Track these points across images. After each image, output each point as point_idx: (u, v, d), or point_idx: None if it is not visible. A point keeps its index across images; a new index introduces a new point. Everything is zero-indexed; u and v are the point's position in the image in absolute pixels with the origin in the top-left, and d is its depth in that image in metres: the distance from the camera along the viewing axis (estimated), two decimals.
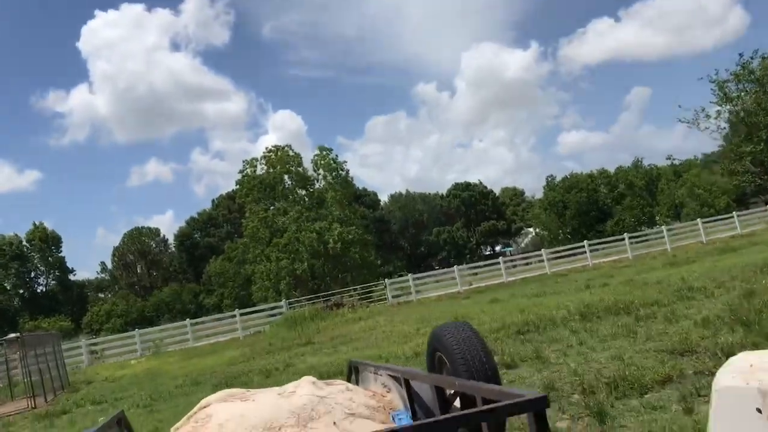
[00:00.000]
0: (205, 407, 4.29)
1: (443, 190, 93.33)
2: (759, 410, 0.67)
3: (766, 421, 0.66)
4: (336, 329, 21.26)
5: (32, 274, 73.60)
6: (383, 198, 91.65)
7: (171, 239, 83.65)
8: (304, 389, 4.18)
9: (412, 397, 3.92)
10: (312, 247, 40.63)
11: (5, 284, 70.56)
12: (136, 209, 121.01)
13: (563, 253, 35.66)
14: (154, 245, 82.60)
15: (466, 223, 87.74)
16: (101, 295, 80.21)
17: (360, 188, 72.62)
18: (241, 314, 31.21)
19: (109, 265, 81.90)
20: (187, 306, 65.71)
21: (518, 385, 8.30)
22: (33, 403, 18.30)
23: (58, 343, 22.98)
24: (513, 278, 32.42)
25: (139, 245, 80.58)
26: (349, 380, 5.13)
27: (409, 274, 34.45)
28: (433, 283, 34.85)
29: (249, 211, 43.64)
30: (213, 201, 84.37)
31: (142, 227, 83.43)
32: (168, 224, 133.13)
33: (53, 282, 74.39)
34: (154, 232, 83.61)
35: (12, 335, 19.46)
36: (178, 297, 68.82)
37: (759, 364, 0.67)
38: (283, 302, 32.04)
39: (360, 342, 16.33)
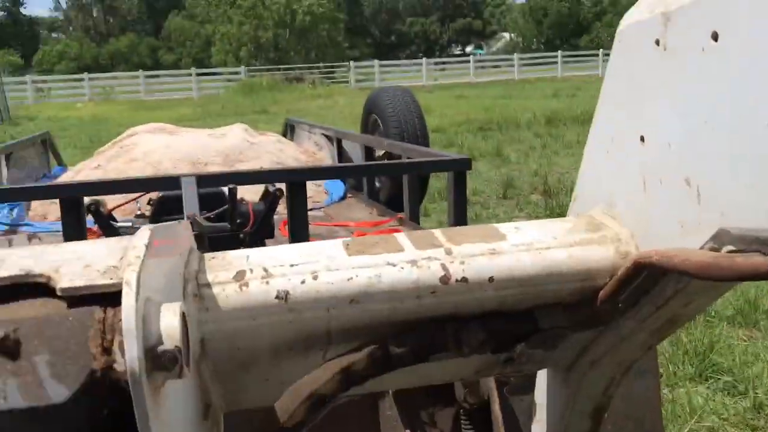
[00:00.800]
0: (132, 135, 4.22)
1: None
2: (657, 42, 0.65)
3: (663, 52, 0.65)
4: (293, 104, 20.72)
5: None
6: None
7: None
8: (235, 133, 4.10)
9: (342, 156, 3.89)
10: (278, 16, 38.64)
11: None
12: None
13: (535, 61, 34.85)
14: None
15: (442, 17, 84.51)
16: (54, 35, 76.51)
17: None
18: (198, 74, 30.20)
19: (64, 5, 77.28)
20: (144, 59, 63.26)
21: (475, 178, 8.14)
22: None
23: None
24: (480, 80, 31.78)
25: None
26: (284, 137, 5.05)
27: (375, 60, 33.42)
28: (399, 73, 34.06)
29: None
30: None
31: None
32: None
33: (2, 13, 70.25)
34: None
35: None
36: (135, 49, 66.08)
37: None
38: (241, 69, 31.01)
39: (315, 117, 15.89)
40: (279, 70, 31.02)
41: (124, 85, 30.86)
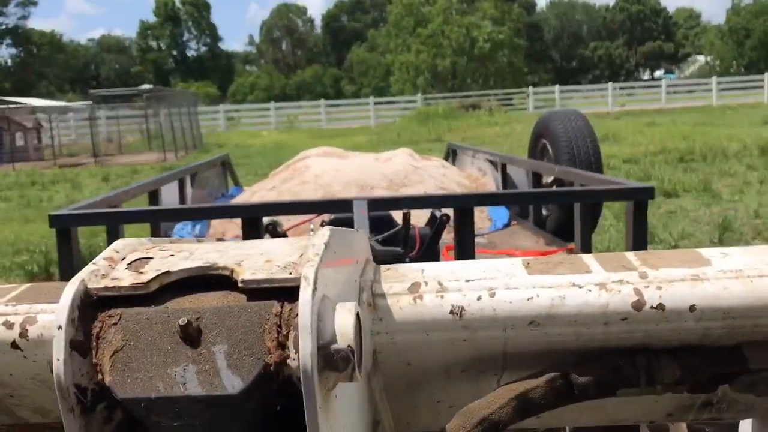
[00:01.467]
0: (304, 159, 4.41)
1: (610, 1, 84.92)
2: None
3: None
4: (469, 131, 20.01)
5: (184, 37, 75.82)
6: (540, 3, 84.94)
7: (318, 21, 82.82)
8: (400, 158, 4.14)
9: (507, 182, 3.80)
10: (458, 44, 38.35)
11: (160, 43, 73.33)
12: None
13: (736, 85, 31.57)
14: (300, 24, 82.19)
15: (628, 41, 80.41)
16: (247, 68, 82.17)
17: None
18: (375, 103, 30.51)
19: (257, 39, 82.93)
20: (327, 89, 65.99)
21: (681, 218, 6.92)
22: (164, 156, 18.79)
23: (194, 104, 23.25)
24: (672, 105, 29.24)
25: (286, 22, 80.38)
26: (446, 161, 4.98)
27: (556, 86, 31.93)
28: (580, 99, 32.37)
29: None
30: None
31: (290, 4, 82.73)
32: (317, 6, 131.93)
33: (203, 48, 76.55)
34: (302, 10, 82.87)
35: (146, 86, 19.60)
36: (320, 80, 69.16)
37: None
38: (418, 97, 30.90)
39: (492, 146, 15.05)
40: (455, 97, 30.57)
41: (307, 113, 31.94)
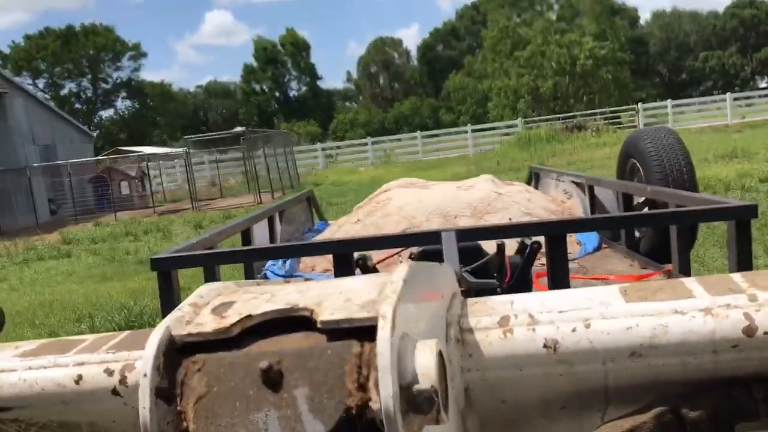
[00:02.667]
0: (386, 191, 4.42)
1: (720, 8, 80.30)
2: None
3: None
4: (575, 154, 18.66)
5: (285, 78, 77.82)
6: (644, 16, 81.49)
7: (414, 52, 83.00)
8: (482, 185, 4.08)
9: (595, 204, 3.73)
10: (558, 64, 36.86)
11: (263, 86, 75.59)
12: (381, 22, 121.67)
13: None
14: (396, 56, 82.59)
15: (742, 48, 75.57)
16: (347, 104, 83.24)
17: (618, 1, 64.63)
18: (473, 131, 29.51)
19: (355, 75, 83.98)
20: (425, 120, 65.50)
21: None
22: (259, 198, 18.53)
23: (290, 144, 23.09)
24: None
25: (382, 56, 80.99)
26: (528, 185, 4.89)
27: (668, 100, 29.81)
28: (694, 113, 30.05)
29: (490, 20, 40.40)
30: (456, 11, 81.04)
31: (386, 38, 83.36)
32: (412, 37, 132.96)
33: (304, 88, 78.22)
34: (397, 43, 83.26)
35: (238, 128, 19.55)
36: (417, 111, 68.86)
37: None
38: (518, 121, 29.65)
39: (601, 170, 13.70)
40: (558, 119, 29.10)
41: (404, 146, 31.35)
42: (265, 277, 3.36)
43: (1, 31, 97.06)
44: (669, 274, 2.61)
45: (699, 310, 0.63)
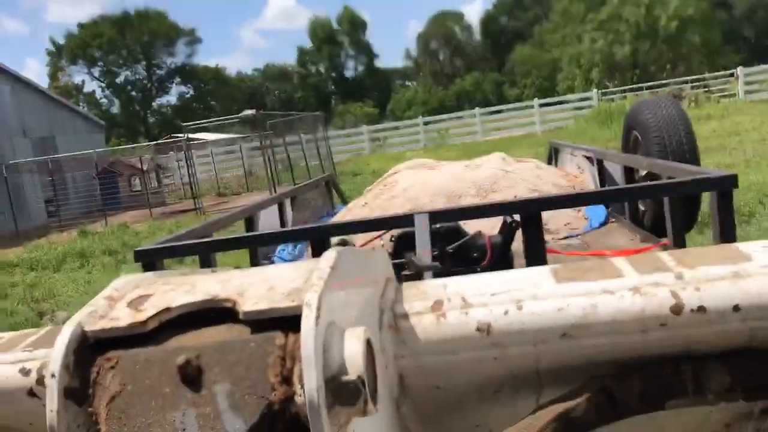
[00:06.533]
0: (395, 173, 4.54)
1: None
2: None
3: None
4: None
5: (342, 58, 75.45)
6: None
7: (476, 25, 79.02)
8: (490, 163, 4.17)
9: (604, 178, 3.79)
10: (637, 26, 32.29)
11: (319, 66, 73.60)
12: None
13: None
14: (458, 31, 78.65)
15: None
16: (407, 83, 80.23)
17: None
18: (541, 105, 25.57)
19: (414, 53, 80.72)
20: (488, 96, 61.58)
21: None
22: (274, 190, 15.36)
23: (320, 129, 19.55)
24: None
25: (443, 31, 77.24)
26: (549, 163, 5.02)
27: None
28: None
29: None
30: None
31: (447, 12, 79.42)
32: (475, 11, 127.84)
33: (361, 67, 75.81)
34: (459, 17, 79.38)
35: (247, 112, 16.28)
36: (479, 86, 64.99)
37: None
38: (593, 93, 25.55)
39: (718, 154, 9.93)
40: (640, 89, 24.80)
41: (461, 126, 27.67)
42: (272, 263, 3.08)
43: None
44: (665, 248, 2.50)
45: (628, 290, 0.62)
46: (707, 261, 0.65)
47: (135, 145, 21.43)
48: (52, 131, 20.88)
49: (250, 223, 3.34)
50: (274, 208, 3.84)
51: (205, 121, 19.49)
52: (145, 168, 19.68)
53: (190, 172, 16.99)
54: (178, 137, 21.55)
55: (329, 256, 0.58)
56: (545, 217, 2.19)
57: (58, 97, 24.36)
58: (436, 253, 1.99)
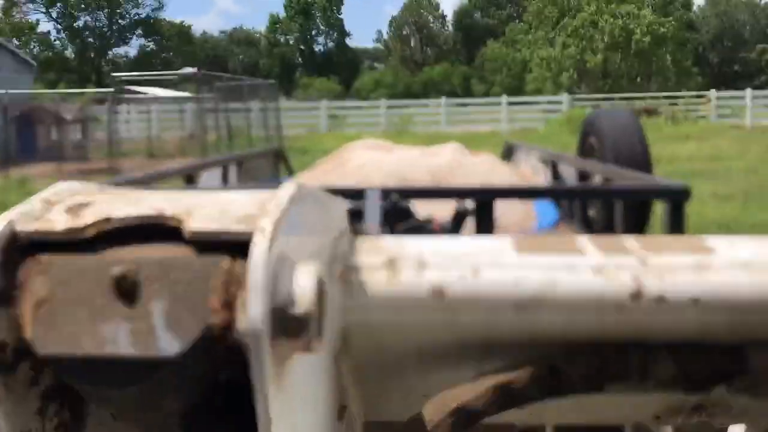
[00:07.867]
0: (349, 151, 4.60)
1: None
2: None
3: None
4: (651, 146, 14.05)
5: (313, 32, 74.01)
6: (698, 1, 75.56)
7: (450, 17, 78.46)
8: (447, 152, 4.28)
9: (557, 182, 3.88)
10: (612, 37, 31.96)
11: (289, 38, 72.14)
12: None
13: None
14: (431, 20, 77.92)
15: None
16: (376, 65, 79.37)
17: None
18: (509, 103, 24.90)
19: (385, 35, 79.79)
20: (455, 89, 61.12)
21: None
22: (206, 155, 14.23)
23: (272, 98, 18.25)
24: None
25: (417, 17, 76.45)
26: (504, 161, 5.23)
27: (747, 89, 24.84)
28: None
29: None
30: None
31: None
32: (450, 2, 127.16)
33: (331, 43, 74.54)
34: (434, 6, 78.66)
35: (188, 69, 14.96)
36: (448, 78, 64.46)
37: None
38: (564, 97, 24.97)
39: (709, 183, 9.19)
40: (613, 99, 24.35)
41: (426, 114, 26.87)
42: None
43: None
44: None
45: (590, 268, 0.60)
46: (672, 249, 0.62)
47: (60, 91, 19.58)
48: None
49: (190, 182, 3.19)
50: (218, 171, 3.68)
51: (136, 73, 17.93)
52: (69, 118, 17.99)
53: (111, 128, 15.48)
54: (133, 91, 20.03)
55: (289, 187, 0.55)
56: (495, 213, 2.22)
57: None
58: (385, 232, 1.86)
